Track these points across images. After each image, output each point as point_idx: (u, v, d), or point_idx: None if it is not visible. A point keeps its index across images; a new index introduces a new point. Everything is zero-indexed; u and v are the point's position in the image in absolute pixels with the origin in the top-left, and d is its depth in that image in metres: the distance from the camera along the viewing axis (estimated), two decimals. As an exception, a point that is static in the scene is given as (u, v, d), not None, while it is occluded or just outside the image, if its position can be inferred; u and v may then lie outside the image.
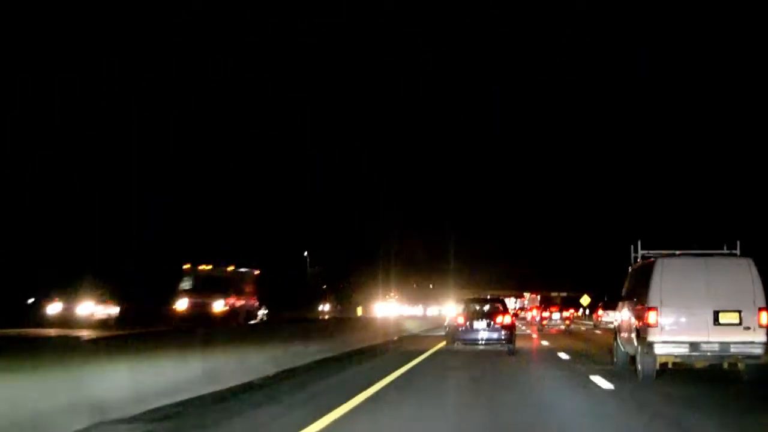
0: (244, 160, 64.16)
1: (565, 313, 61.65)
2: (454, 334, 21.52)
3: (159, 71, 64.74)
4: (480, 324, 21.11)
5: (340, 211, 66.97)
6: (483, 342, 21.12)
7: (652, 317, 13.49)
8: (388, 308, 56.81)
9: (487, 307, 22.32)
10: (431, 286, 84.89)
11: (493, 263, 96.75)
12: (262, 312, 46.70)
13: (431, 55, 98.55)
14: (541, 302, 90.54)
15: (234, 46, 77.23)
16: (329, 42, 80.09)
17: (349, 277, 63.61)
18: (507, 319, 21.24)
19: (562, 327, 52.08)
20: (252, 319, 37.96)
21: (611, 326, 46.14)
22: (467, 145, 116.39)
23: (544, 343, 27.84)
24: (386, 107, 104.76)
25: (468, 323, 21.26)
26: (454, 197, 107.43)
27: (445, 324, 23.95)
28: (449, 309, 65.96)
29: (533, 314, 72.77)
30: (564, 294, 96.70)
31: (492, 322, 21.06)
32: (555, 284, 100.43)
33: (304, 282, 57.81)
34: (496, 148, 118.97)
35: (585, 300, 65.13)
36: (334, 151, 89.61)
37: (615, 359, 16.32)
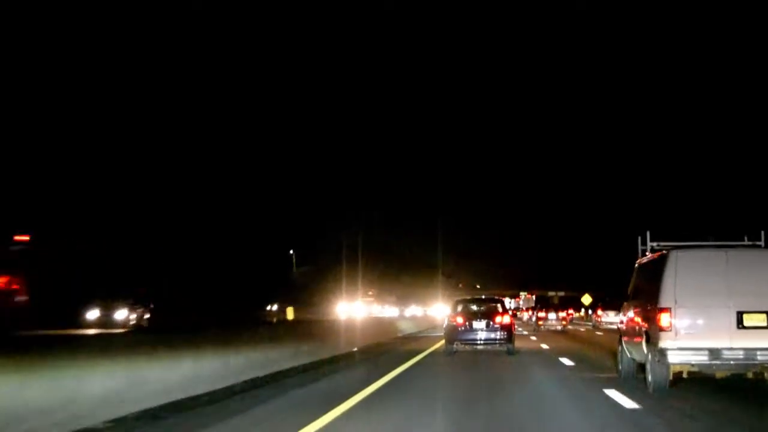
0: (232, 155, 62.11)
1: (562, 314, 60.25)
2: (452, 334, 21.11)
3: (152, 70, 62.84)
4: (479, 324, 20.87)
5: (327, 206, 64.55)
6: (482, 342, 20.93)
7: (664, 320, 11.54)
8: (356, 309, 53.09)
9: (485, 307, 22.14)
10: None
11: (486, 261, 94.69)
12: (144, 316, 37.25)
13: (428, 48, 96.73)
14: (536, 302, 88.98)
15: (231, 46, 75.57)
16: (326, 40, 78.42)
17: (317, 276, 59.68)
18: (506, 319, 21.04)
19: (559, 328, 50.80)
20: (10, 329, 22.24)
21: (612, 327, 44.67)
22: (460, 136, 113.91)
23: (543, 345, 26.12)
24: (380, 100, 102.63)
25: (467, 323, 20.98)
26: (443, 188, 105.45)
27: (444, 325, 23.51)
28: (436, 309, 64.09)
29: (529, 315, 71.34)
30: (562, 293, 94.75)
31: (491, 322, 20.84)
32: (552, 283, 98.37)
33: (279, 281, 55.14)
34: (488, 138, 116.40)
35: (586, 299, 62.75)
36: (324, 142, 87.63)
37: (620, 366, 14.39)
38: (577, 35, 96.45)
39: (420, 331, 39.62)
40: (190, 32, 67.16)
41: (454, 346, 21.14)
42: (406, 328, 38.53)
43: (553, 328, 50.12)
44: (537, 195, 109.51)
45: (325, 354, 18.51)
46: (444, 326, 22.59)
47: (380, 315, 58.98)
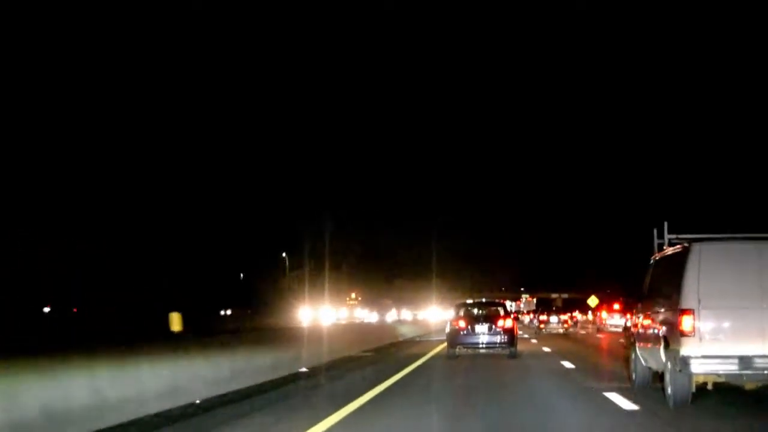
0: (229, 154, 60.85)
1: (563, 317, 59.01)
2: (454, 338, 21.29)
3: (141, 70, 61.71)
4: (481, 328, 21.03)
5: (323, 208, 62.94)
6: (484, 346, 21.10)
7: (686, 323, 10.00)
8: (325, 314, 50.61)
9: (487, 311, 22.35)
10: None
11: (486, 263, 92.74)
12: None
13: (426, 48, 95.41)
14: (538, 305, 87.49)
15: (229, 48, 74.49)
16: (325, 40, 77.31)
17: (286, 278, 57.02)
18: (508, 323, 21.15)
19: (561, 331, 50.40)
20: None
21: (617, 330, 43.42)
22: (458, 130, 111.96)
23: (545, 348, 24.98)
24: (377, 101, 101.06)
25: (469, 327, 21.16)
26: (439, 185, 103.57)
27: (446, 330, 23.30)
28: (431, 313, 62.32)
29: (531, 318, 70.10)
30: (565, 296, 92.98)
31: (493, 326, 21.00)
32: (554, 285, 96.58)
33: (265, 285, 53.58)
34: (487, 134, 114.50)
35: (592, 301, 60.25)
36: (320, 143, 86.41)
37: (633, 376, 12.86)
38: (577, 34, 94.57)
39: (414, 337, 38.04)
40: (190, 32, 66.05)
41: (456, 350, 21.23)
42: (405, 333, 37.16)
43: (555, 331, 49.68)
44: (537, 191, 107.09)
45: (260, 377, 13.51)
46: (446, 330, 22.56)
47: (365, 320, 57.55)
